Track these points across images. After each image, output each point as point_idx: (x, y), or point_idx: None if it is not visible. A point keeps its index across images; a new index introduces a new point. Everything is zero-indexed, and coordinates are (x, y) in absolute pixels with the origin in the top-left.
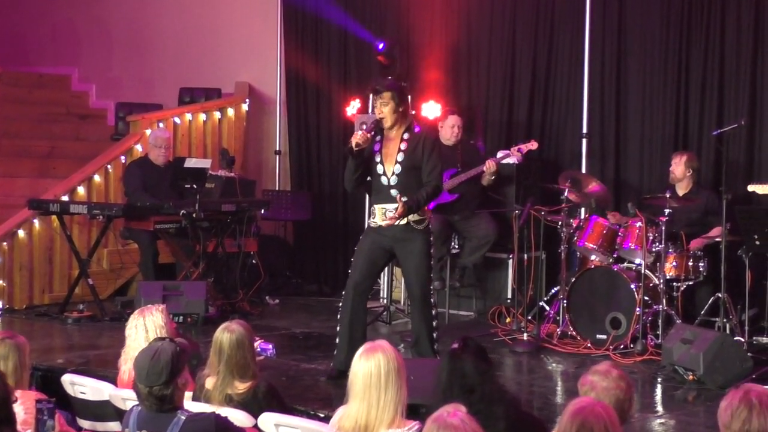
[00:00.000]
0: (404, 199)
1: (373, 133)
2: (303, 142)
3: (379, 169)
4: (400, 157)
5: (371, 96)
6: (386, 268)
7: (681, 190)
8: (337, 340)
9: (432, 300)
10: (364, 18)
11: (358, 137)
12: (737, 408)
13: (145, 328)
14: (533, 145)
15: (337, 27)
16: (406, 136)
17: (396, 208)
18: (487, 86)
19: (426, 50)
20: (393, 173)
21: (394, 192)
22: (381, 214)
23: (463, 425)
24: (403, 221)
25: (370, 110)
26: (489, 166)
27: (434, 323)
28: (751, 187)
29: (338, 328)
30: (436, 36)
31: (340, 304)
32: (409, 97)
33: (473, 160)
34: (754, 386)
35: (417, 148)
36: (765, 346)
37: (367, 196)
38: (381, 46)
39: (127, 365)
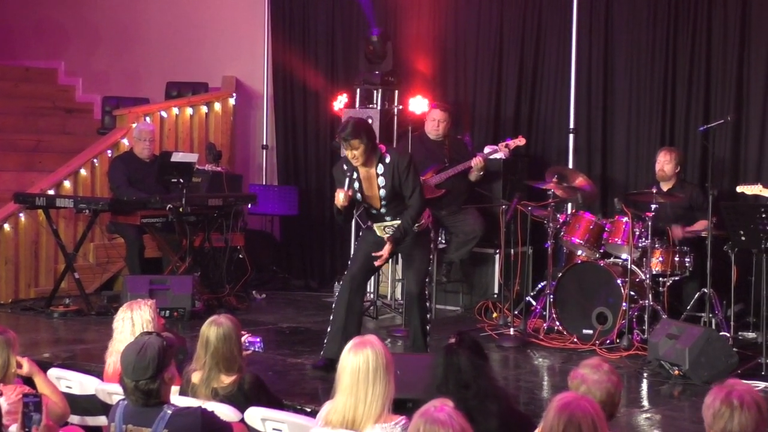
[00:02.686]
0: (389, 237)
1: (351, 183)
2: (290, 137)
3: (367, 205)
4: (383, 192)
5: (340, 142)
6: None
7: (665, 186)
8: (329, 329)
9: (427, 297)
10: (351, 13)
11: (340, 200)
12: (719, 409)
13: (132, 322)
14: (521, 141)
15: (325, 21)
16: (380, 169)
17: (388, 238)
18: (474, 81)
19: (413, 45)
20: (381, 205)
21: (388, 218)
22: (381, 230)
23: (450, 420)
24: None
25: (357, 105)
26: (477, 162)
27: (428, 316)
28: (739, 189)
29: (331, 318)
30: (424, 31)
31: (336, 295)
32: (396, 97)
33: (461, 155)
34: (736, 384)
35: (393, 176)
36: (750, 342)
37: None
38: (374, 32)
39: (112, 358)
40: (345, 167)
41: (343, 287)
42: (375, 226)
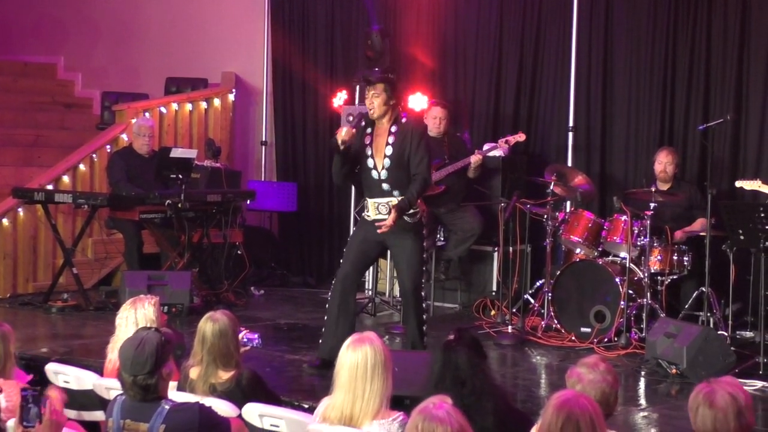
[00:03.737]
0: (395, 205)
1: (359, 126)
2: (289, 133)
3: (370, 163)
4: (389, 150)
5: (364, 86)
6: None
7: (664, 185)
8: (324, 329)
9: (423, 293)
10: (351, 9)
11: (342, 134)
12: (691, 404)
13: (135, 320)
14: (521, 137)
15: (325, 18)
16: (393, 128)
17: (390, 211)
18: (474, 79)
19: (413, 42)
20: (383, 167)
21: (386, 186)
22: (374, 209)
23: (448, 417)
24: None
25: (357, 101)
26: (476, 159)
27: (424, 316)
28: (738, 183)
29: (326, 317)
30: (424, 28)
31: (329, 294)
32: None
33: (460, 153)
34: (720, 384)
35: (405, 140)
36: (748, 341)
37: (353, 188)
38: (374, 27)
39: (113, 354)
40: (363, 122)
41: (336, 287)
42: (369, 203)
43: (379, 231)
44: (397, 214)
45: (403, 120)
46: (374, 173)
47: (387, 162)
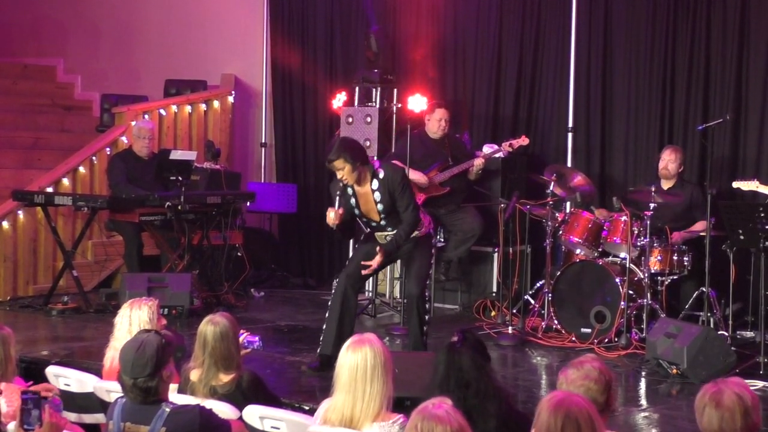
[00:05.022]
0: (380, 248)
1: (342, 201)
2: (289, 135)
3: (365, 221)
4: (380, 207)
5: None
6: None
7: (666, 185)
8: (324, 327)
9: (427, 298)
10: (350, 10)
11: (331, 218)
12: (698, 404)
13: (129, 320)
14: (524, 141)
15: (324, 19)
16: (375, 185)
17: (379, 249)
18: (473, 80)
19: (413, 43)
20: (381, 218)
21: (390, 229)
22: (382, 239)
23: (448, 417)
24: None
25: (356, 103)
26: (479, 163)
27: (427, 317)
28: (735, 184)
29: (327, 315)
30: (423, 29)
31: (331, 293)
32: (395, 96)
33: (461, 154)
34: (727, 383)
35: (389, 191)
36: (748, 341)
37: None
38: (374, 28)
39: (110, 353)
40: (341, 184)
41: (339, 285)
42: (376, 235)
43: (363, 273)
44: (383, 256)
45: (381, 174)
46: (374, 223)
47: (382, 213)
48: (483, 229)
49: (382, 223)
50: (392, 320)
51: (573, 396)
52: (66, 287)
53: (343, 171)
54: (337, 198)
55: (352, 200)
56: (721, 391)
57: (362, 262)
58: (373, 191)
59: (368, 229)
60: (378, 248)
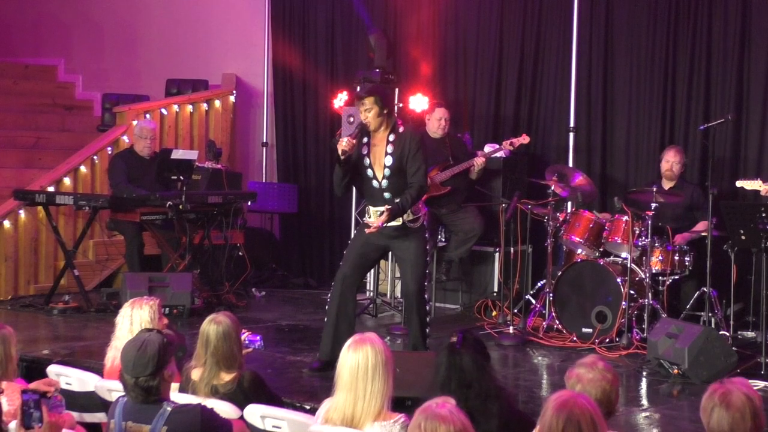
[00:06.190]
0: (389, 207)
1: (357, 139)
2: (290, 135)
3: (369, 173)
4: (388, 160)
5: (363, 89)
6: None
7: (667, 185)
8: (323, 331)
9: (426, 296)
10: (351, 10)
11: (343, 144)
12: (705, 404)
13: (130, 320)
14: (525, 140)
15: (325, 19)
16: (391, 137)
17: (382, 213)
18: (474, 80)
19: (414, 43)
20: (383, 177)
21: (387, 195)
22: (375, 216)
23: (451, 416)
24: (398, 222)
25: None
26: (480, 162)
27: (427, 318)
28: (739, 183)
29: (325, 319)
30: (424, 28)
31: (329, 295)
32: (396, 95)
33: (462, 153)
34: (734, 383)
35: (403, 149)
36: (750, 341)
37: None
38: (371, 32)
39: (111, 352)
40: (357, 129)
41: (335, 288)
42: (371, 210)
43: (366, 231)
44: (388, 217)
45: (401, 129)
46: (374, 183)
47: (387, 171)
48: (484, 228)
49: (383, 183)
50: (393, 320)
51: (578, 397)
52: (67, 287)
53: (370, 112)
54: (357, 131)
55: (365, 149)
56: (730, 392)
57: (364, 221)
58: (388, 142)
59: (365, 202)
60: (385, 207)
